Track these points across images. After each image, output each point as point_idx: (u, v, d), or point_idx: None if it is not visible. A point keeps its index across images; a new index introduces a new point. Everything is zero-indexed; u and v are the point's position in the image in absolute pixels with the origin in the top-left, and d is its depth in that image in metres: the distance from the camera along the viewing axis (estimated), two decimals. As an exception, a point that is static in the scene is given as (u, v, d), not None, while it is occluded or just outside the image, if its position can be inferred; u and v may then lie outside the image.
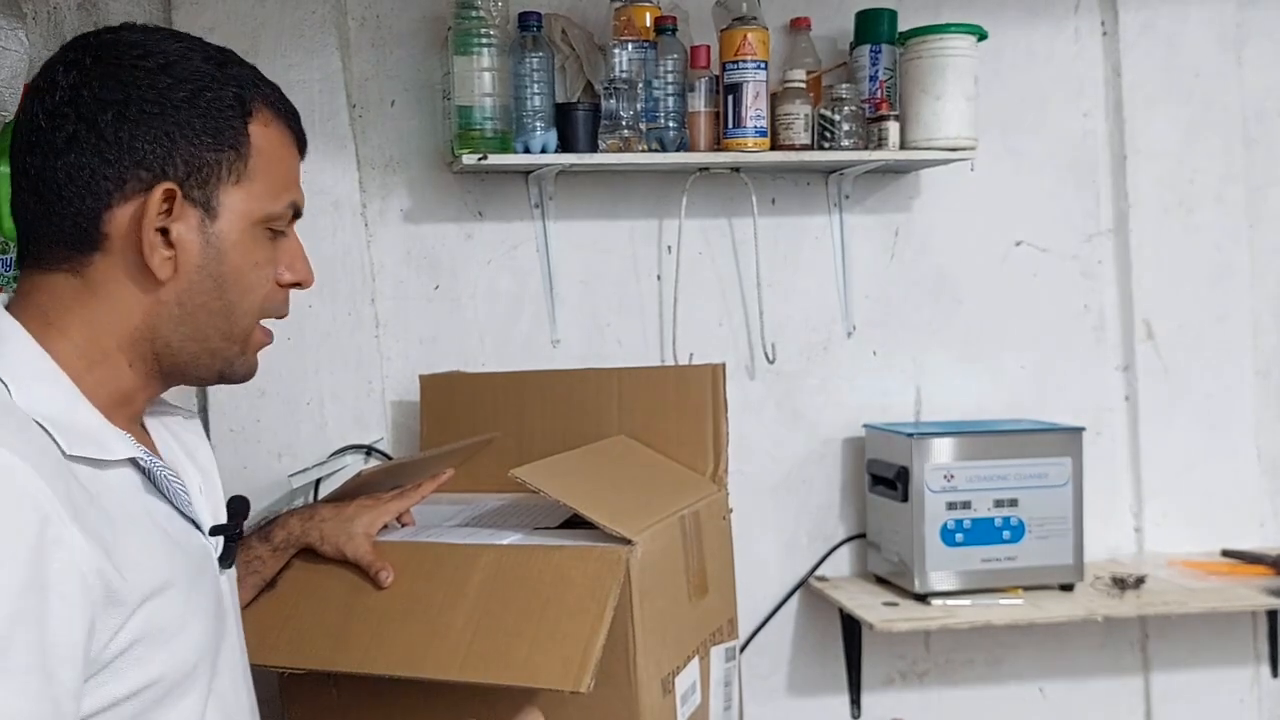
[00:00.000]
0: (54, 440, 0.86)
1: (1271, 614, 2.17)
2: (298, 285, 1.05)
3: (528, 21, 1.85)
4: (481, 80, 1.82)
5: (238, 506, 1.09)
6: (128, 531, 0.88)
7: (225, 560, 1.04)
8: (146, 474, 0.95)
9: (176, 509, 0.98)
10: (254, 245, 0.99)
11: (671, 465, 1.58)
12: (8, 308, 0.95)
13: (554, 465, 1.42)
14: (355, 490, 1.42)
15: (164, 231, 0.93)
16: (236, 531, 1.06)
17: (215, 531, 1.04)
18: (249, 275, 0.99)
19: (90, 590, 0.82)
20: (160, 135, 0.92)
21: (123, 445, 0.93)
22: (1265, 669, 2.23)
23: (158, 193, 0.92)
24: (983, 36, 1.96)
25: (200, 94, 0.94)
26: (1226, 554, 2.19)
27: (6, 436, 0.82)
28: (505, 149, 1.84)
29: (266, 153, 0.99)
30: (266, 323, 1.05)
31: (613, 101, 1.87)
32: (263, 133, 0.99)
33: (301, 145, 1.06)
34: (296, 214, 1.04)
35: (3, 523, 0.78)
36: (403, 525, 1.43)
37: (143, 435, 1.02)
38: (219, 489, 1.10)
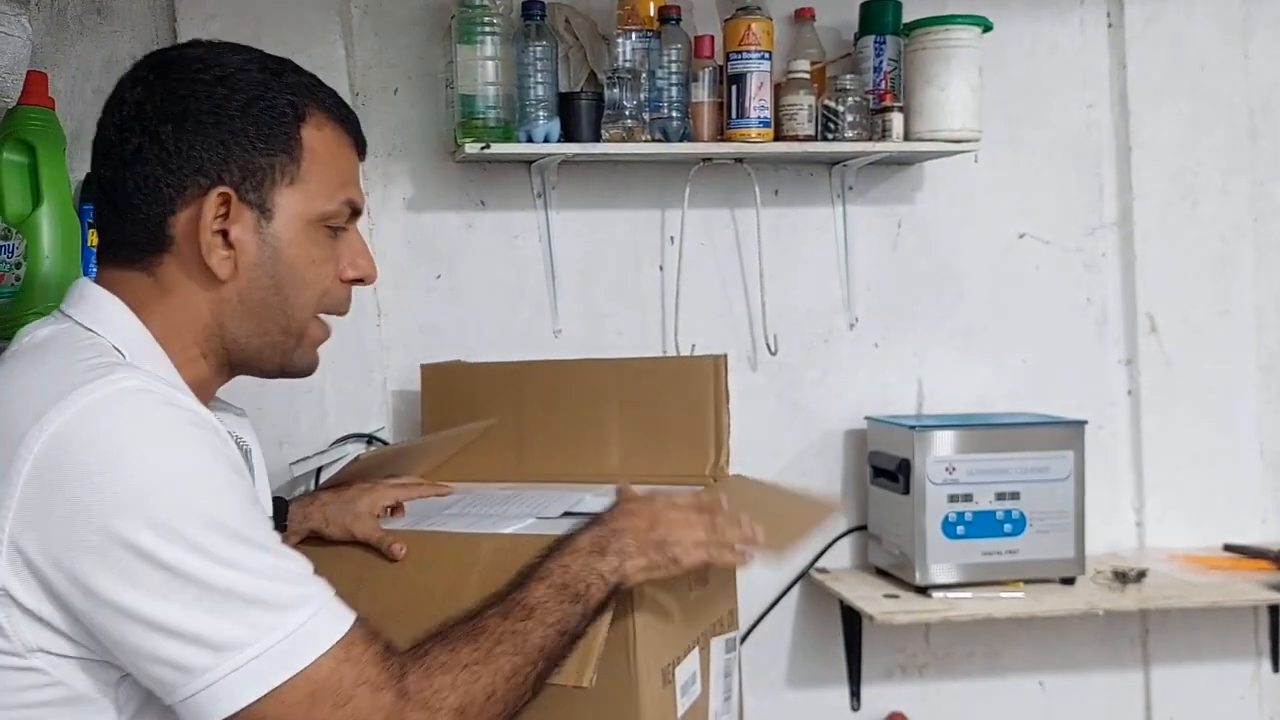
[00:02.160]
0: None
1: (1273, 609, 2.17)
2: (360, 281, 1.09)
3: (531, 10, 1.85)
4: (484, 69, 1.81)
5: (279, 506, 1.17)
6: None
7: None
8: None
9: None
10: (310, 244, 1.04)
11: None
12: None
13: None
14: (352, 476, 1.44)
15: (225, 233, 1.00)
16: (281, 527, 1.13)
17: None
18: (304, 272, 1.04)
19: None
20: (216, 143, 0.99)
21: (216, 420, 0.99)
22: (1266, 664, 2.23)
23: (213, 197, 0.99)
24: (987, 28, 1.95)
25: (255, 102, 1.00)
26: (1228, 549, 2.19)
27: (153, 380, 0.92)
28: (508, 138, 1.83)
29: (320, 154, 1.04)
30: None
31: (616, 91, 1.86)
32: (316, 135, 1.04)
33: (360, 147, 1.10)
34: (356, 212, 1.09)
35: (188, 429, 0.91)
36: (391, 514, 1.44)
37: None
38: (267, 487, 1.17)
